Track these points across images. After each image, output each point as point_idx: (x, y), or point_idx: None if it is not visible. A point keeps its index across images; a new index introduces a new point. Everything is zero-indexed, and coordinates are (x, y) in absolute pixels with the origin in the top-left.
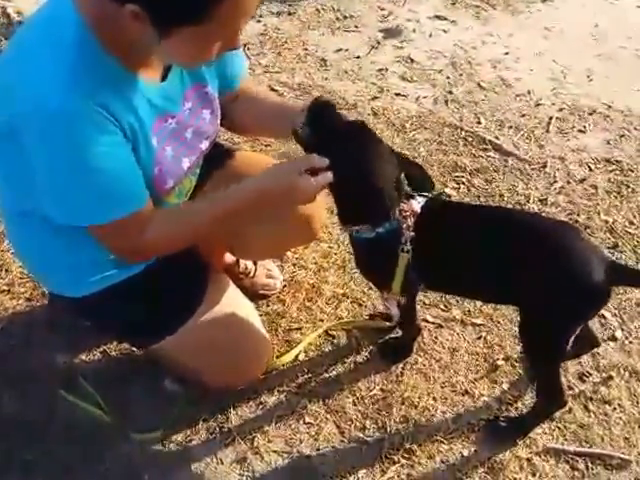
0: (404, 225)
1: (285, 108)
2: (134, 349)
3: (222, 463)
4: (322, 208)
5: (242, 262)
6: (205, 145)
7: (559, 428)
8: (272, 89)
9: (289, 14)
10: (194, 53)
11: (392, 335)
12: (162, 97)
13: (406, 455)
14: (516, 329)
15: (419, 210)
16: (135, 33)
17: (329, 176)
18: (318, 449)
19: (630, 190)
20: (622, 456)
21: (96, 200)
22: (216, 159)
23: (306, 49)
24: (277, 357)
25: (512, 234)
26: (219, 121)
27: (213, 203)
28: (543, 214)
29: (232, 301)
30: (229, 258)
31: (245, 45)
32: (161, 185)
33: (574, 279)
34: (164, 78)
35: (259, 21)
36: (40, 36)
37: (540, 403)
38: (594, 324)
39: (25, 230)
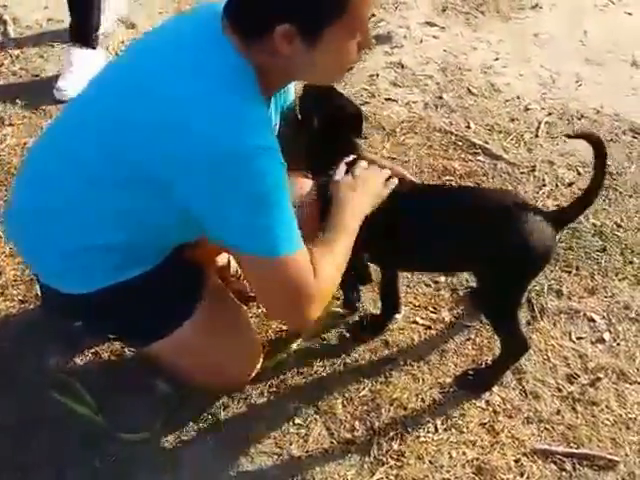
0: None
1: None
2: (126, 350)
3: (212, 464)
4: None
5: (233, 265)
6: None
7: (547, 429)
8: None
9: None
10: (343, 55)
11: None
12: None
13: (395, 456)
14: None
15: None
16: (285, 58)
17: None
18: (307, 451)
19: (618, 194)
20: (609, 457)
21: (286, 229)
22: None
23: None
24: (267, 359)
25: (460, 205)
26: None
27: (338, 240)
28: None
29: (224, 304)
30: (220, 261)
31: None
32: None
33: (523, 238)
34: None
35: None
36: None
37: (506, 352)
38: (583, 326)
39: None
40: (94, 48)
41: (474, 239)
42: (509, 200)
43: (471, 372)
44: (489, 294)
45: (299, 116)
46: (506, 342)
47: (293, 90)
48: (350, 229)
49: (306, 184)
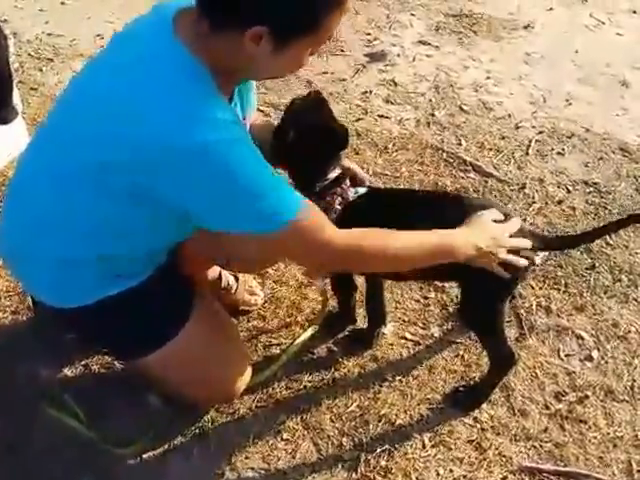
0: (330, 205)
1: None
2: (117, 363)
3: (199, 478)
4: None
5: (224, 278)
6: None
7: (534, 447)
8: (259, 109)
9: None
10: (299, 61)
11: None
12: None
13: (382, 473)
14: None
15: (351, 198)
16: (247, 56)
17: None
18: (295, 466)
19: (607, 212)
20: (597, 475)
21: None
22: None
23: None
24: (256, 373)
25: (442, 214)
26: None
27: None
28: None
29: (214, 318)
30: (212, 274)
31: None
32: None
33: None
34: None
35: None
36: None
37: (494, 366)
38: (571, 344)
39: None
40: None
41: None
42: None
43: (461, 389)
44: (472, 307)
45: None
46: (493, 355)
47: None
48: (436, 246)
49: None
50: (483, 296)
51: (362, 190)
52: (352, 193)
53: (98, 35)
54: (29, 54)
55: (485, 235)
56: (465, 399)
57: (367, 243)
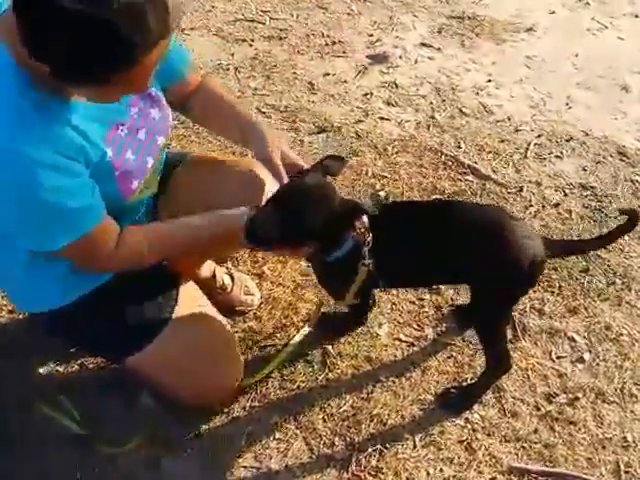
0: (362, 241)
1: (239, 119)
2: (110, 362)
3: (192, 477)
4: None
5: (219, 278)
6: (161, 141)
7: (524, 447)
8: (260, 111)
9: (279, 39)
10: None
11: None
12: (106, 109)
13: (373, 472)
14: None
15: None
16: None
17: None
18: (287, 465)
19: (603, 215)
20: (585, 476)
21: (48, 229)
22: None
23: (295, 73)
24: (250, 374)
25: (454, 221)
26: (170, 117)
27: (190, 230)
28: None
29: (205, 318)
30: (205, 273)
31: (236, 68)
32: (127, 187)
33: (517, 253)
34: None
35: (251, 45)
36: None
37: (490, 369)
38: (563, 346)
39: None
40: None
41: (468, 256)
42: (501, 216)
43: (453, 390)
44: (482, 310)
45: None
46: (492, 358)
47: (182, 54)
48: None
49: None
50: (496, 297)
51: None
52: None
53: None
54: None
55: None
56: (456, 400)
57: (148, 251)
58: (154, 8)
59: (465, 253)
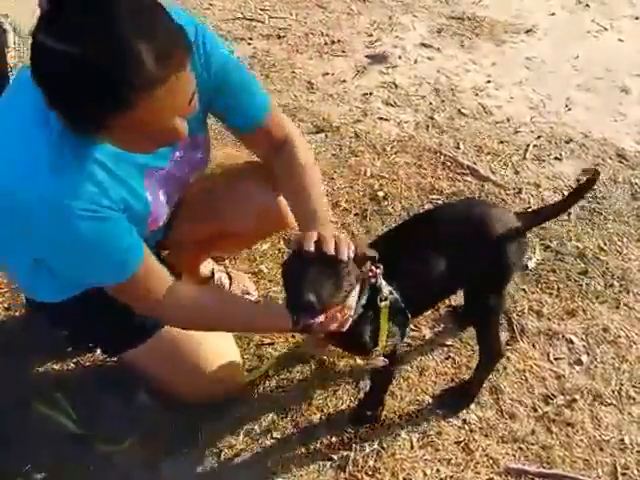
0: (378, 285)
1: (316, 219)
2: (108, 360)
3: (188, 475)
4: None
5: (217, 276)
6: (194, 177)
7: (521, 449)
8: None
9: (278, 37)
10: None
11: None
12: (150, 156)
13: (370, 472)
14: None
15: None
16: None
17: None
18: (284, 464)
19: (602, 218)
20: (582, 478)
21: (91, 271)
22: None
23: (294, 72)
24: (247, 371)
25: (441, 229)
26: (209, 161)
27: (235, 317)
28: None
29: None
30: (204, 272)
31: None
32: (154, 225)
33: (501, 242)
34: None
35: (249, 44)
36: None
37: (484, 363)
38: (561, 348)
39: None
40: None
41: (459, 259)
42: (479, 212)
43: (451, 391)
44: (478, 305)
45: None
46: (487, 350)
47: (257, 100)
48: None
49: None
50: (489, 287)
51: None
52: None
53: None
54: (29, 50)
55: None
56: (454, 400)
57: (200, 321)
58: (149, 45)
59: (459, 253)
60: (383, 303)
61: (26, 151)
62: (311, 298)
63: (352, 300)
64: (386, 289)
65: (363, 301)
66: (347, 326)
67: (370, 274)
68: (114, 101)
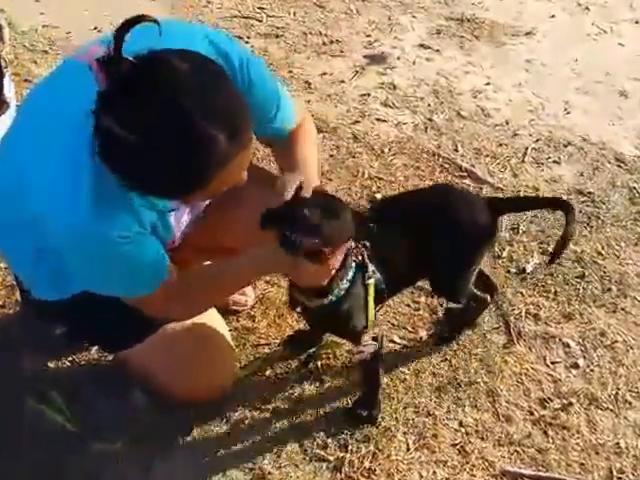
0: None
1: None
2: (103, 357)
3: (184, 476)
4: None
5: None
6: None
7: (517, 452)
8: None
9: (276, 37)
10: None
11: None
12: None
13: (365, 474)
14: (481, 352)
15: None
16: None
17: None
18: (279, 466)
19: (600, 222)
20: None
21: (120, 288)
22: None
23: (291, 72)
24: (241, 369)
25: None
26: None
27: (218, 280)
28: (513, 242)
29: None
30: None
31: None
32: (171, 244)
33: (470, 224)
34: None
35: (247, 42)
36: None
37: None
38: (558, 351)
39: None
40: None
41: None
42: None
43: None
44: (446, 280)
45: None
46: (469, 299)
47: (288, 112)
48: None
49: None
50: (458, 266)
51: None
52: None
53: (95, 28)
54: (24, 45)
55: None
56: (445, 334)
57: (194, 298)
58: (222, 126)
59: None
60: (370, 280)
61: (73, 180)
62: (306, 212)
63: (337, 260)
64: (371, 268)
65: (349, 276)
66: (325, 280)
67: (356, 251)
68: (190, 185)
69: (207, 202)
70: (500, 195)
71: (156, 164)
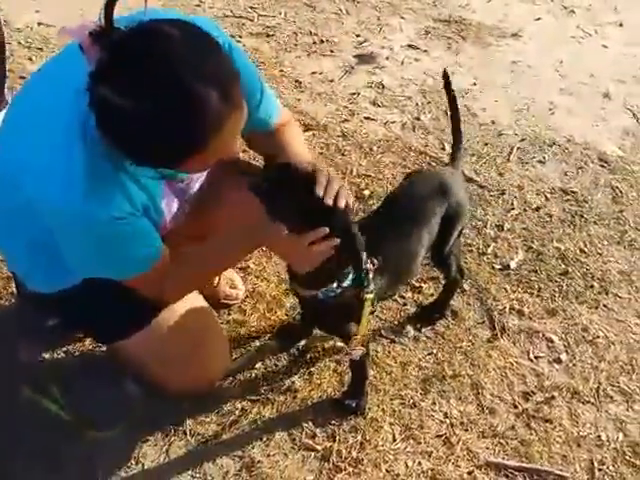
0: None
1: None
2: (97, 348)
3: (175, 465)
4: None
5: None
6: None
7: (501, 443)
8: None
9: (267, 36)
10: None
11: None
12: None
13: (352, 463)
14: (466, 346)
15: None
16: None
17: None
18: (269, 454)
19: (583, 220)
20: (559, 472)
21: (114, 269)
22: None
23: (282, 71)
24: (233, 360)
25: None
26: None
27: (210, 255)
28: (498, 239)
29: (193, 304)
30: None
31: None
32: (163, 230)
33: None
34: None
35: (238, 42)
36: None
37: (449, 285)
38: (541, 346)
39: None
40: None
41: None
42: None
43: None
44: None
45: None
46: (450, 275)
47: (273, 105)
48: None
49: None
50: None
51: None
52: None
53: None
54: (19, 43)
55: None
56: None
57: (184, 276)
58: (214, 88)
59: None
60: (368, 296)
61: (66, 163)
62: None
63: (327, 246)
64: (373, 285)
65: (344, 284)
66: (314, 264)
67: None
68: (188, 147)
69: (195, 189)
70: (485, 194)
71: (154, 128)
